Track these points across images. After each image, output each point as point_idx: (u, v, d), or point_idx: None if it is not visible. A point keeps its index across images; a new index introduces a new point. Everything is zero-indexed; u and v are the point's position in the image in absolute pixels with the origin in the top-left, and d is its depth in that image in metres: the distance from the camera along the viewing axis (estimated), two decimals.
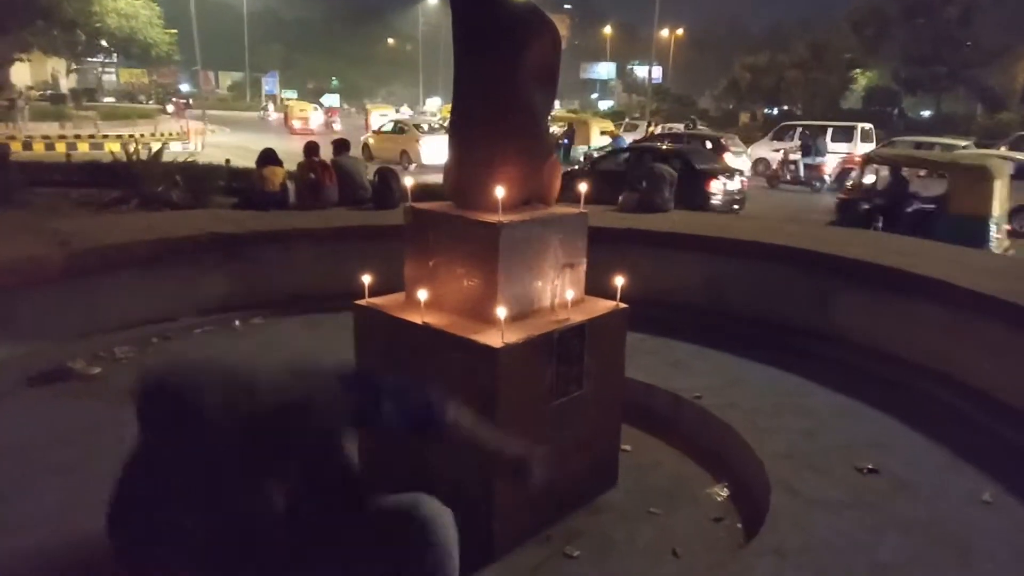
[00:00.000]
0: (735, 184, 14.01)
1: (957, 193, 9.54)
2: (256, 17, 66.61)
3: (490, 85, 3.28)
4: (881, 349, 5.06)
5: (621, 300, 3.54)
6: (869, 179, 11.43)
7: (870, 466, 3.63)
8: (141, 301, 5.33)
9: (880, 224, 9.86)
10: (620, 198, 7.75)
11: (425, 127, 25.13)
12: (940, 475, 3.64)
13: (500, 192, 3.16)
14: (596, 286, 3.62)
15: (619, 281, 3.51)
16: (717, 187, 13.24)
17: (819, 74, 40.93)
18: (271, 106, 45.93)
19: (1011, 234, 10.80)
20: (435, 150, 21.62)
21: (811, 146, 20.35)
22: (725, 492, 3.80)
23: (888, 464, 3.67)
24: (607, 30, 73.09)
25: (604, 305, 3.55)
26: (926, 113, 48.56)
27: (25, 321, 4.69)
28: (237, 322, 5.61)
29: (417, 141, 23.14)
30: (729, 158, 18.15)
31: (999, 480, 3.55)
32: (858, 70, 43.90)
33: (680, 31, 60.98)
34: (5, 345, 4.55)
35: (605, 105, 62.60)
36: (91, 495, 3.12)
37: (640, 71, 66.50)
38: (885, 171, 11.18)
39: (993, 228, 9.19)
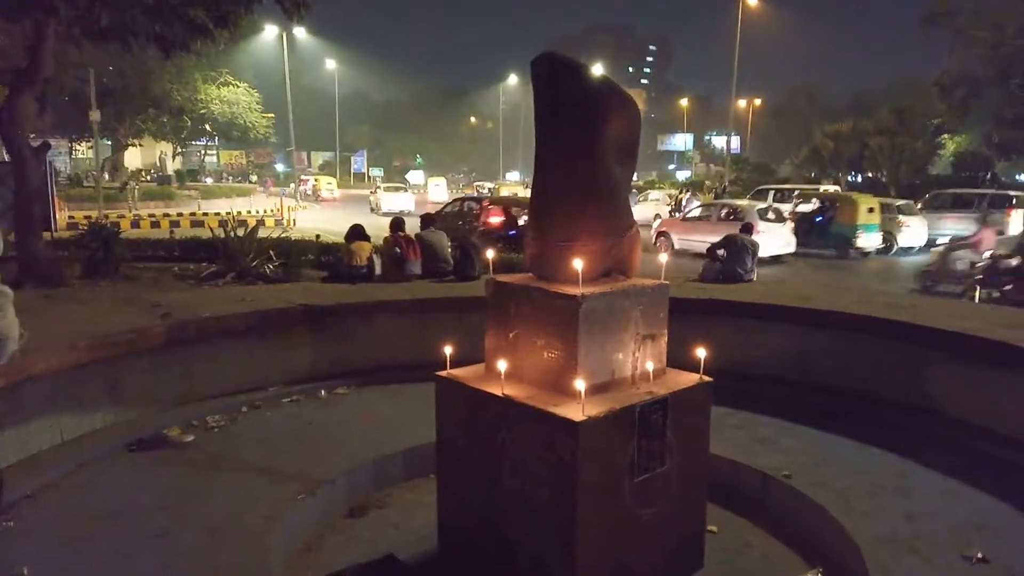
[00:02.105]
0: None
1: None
2: (347, 100, 70.41)
3: (571, 159, 3.36)
4: (984, 426, 4.76)
5: (704, 373, 3.48)
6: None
7: (980, 555, 3.37)
8: (234, 371, 5.55)
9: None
10: (701, 267, 7.68)
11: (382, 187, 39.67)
12: None
13: (579, 264, 3.19)
14: (677, 358, 3.57)
15: (702, 353, 3.45)
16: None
17: (905, 140, 39.87)
18: (268, 181, 54.04)
19: None
20: (390, 200, 34.69)
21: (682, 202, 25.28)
22: None
23: (999, 553, 3.40)
24: (683, 102, 73.79)
25: (687, 378, 3.49)
26: (1022, 177, 46.48)
27: (126, 389, 4.95)
28: (323, 392, 5.75)
29: (375, 193, 37.17)
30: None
31: None
32: (946, 135, 42.58)
33: (758, 101, 60.94)
34: (108, 412, 4.81)
35: (683, 175, 62.63)
36: (183, 560, 3.26)
37: (718, 141, 66.54)
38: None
39: None
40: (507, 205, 14.51)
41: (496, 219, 14.00)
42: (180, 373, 5.27)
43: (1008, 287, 10.20)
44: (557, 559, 3.08)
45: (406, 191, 39.17)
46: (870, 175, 43.63)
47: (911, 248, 19.38)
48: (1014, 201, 20.56)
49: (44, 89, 8.39)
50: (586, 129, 3.31)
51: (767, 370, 5.86)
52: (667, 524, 3.40)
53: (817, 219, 18.80)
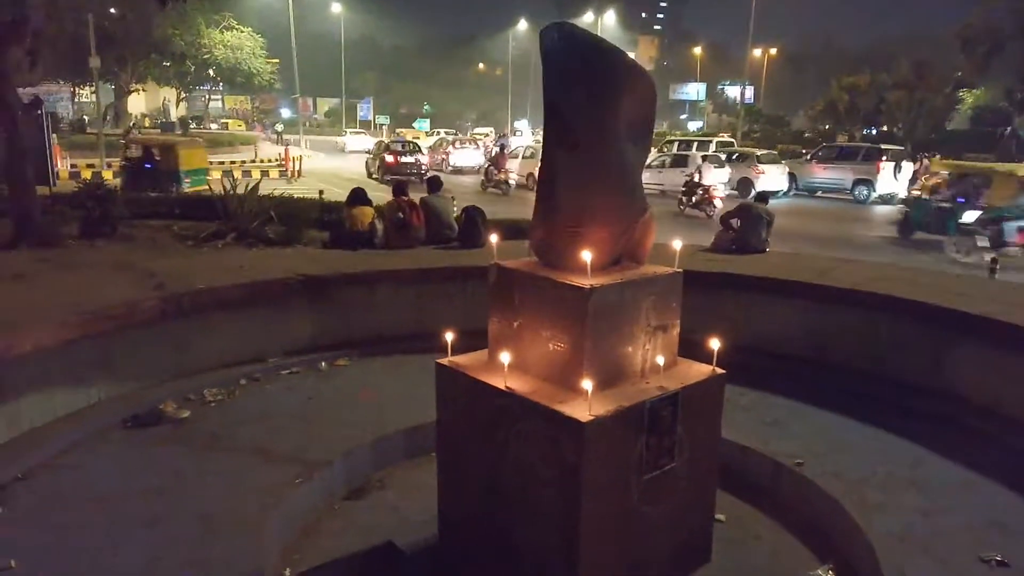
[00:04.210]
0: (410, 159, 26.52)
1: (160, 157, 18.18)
2: (353, 45, 68.93)
3: (581, 137, 3.13)
4: (1006, 413, 4.60)
5: (716, 356, 3.30)
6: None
7: (998, 557, 3.25)
8: (232, 343, 5.41)
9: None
10: (713, 237, 7.46)
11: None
12: None
13: (588, 254, 3.00)
14: (686, 338, 3.39)
15: (715, 344, 3.28)
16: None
17: (924, 94, 38.93)
18: (257, 127, 56.66)
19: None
20: (353, 142, 43.72)
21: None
22: (830, 575, 3.48)
23: (1019, 555, 3.27)
24: (697, 51, 72.07)
25: (699, 370, 3.33)
26: None
27: (121, 364, 4.82)
28: (323, 363, 5.62)
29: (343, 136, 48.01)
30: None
31: None
32: (965, 90, 41.55)
33: (774, 50, 59.44)
34: (102, 387, 4.69)
35: (694, 126, 61.57)
36: (174, 551, 3.16)
37: (732, 91, 65.19)
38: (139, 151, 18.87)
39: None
40: (147, 144, 19.31)
41: (136, 154, 18.75)
42: (176, 346, 5.13)
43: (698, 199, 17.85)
44: (560, 561, 2.97)
45: (365, 135, 48.29)
46: (885, 129, 42.77)
47: (775, 192, 21.58)
48: (884, 157, 23.54)
49: (36, 43, 8.07)
50: (598, 106, 3.09)
51: (780, 347, 5.70)
52: (675, 521, 3.28)
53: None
